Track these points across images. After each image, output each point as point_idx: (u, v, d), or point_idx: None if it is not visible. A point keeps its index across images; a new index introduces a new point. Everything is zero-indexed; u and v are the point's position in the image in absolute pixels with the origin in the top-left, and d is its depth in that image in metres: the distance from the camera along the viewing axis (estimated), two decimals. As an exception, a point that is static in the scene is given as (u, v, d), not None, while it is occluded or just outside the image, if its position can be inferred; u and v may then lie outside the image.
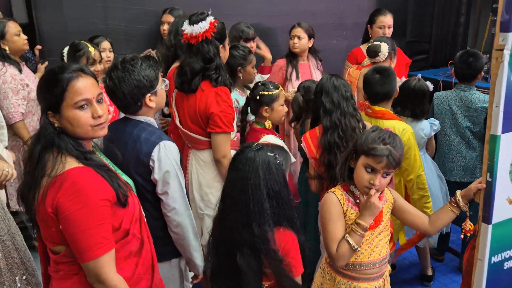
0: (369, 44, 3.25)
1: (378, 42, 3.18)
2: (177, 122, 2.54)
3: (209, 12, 2.38)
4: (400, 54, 3.74)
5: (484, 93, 3.04)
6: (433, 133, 2.89)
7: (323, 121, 2.33)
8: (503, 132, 1.62)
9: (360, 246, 1.79)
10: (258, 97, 2.51)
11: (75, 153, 1.49)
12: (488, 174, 1.68)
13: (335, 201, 1.84)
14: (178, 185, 1.89)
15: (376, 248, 1.86)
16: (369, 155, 1.74)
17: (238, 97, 2.85)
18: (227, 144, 2.41)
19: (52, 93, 1.46)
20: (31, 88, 3.03)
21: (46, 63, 3.39)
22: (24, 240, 2.13)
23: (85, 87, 1.49)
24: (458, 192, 1.83)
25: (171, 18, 3.39)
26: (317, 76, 3.64)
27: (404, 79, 3.62)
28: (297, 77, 3.41)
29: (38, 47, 3.44)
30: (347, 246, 1.77)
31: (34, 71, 3.51)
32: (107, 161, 1.69)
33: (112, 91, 1.86)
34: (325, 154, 2.31)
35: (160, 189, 1.87)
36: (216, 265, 1.70)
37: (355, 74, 3.35)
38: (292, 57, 3.49)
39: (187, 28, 2.35)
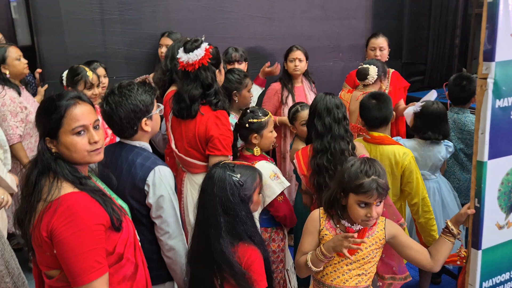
0: (359, 67, 3.30)
1: (367, 65, 3.23)
2: (173, 146, 2.57)
3: (203, 38, 2.43)
4: (398, 78, 3.80)
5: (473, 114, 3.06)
6: (448, 155, 2.87)
7: (314, 144, 2.40)
8: (489, 158, 1.65)
9: (319, 267, 1.82)
10: (247, 125, 2.50)
11: (71, 178, 1.52)
12: (476, 199, 1.71)
13: (315, 217, 1.93)
14: (171, 210, 1.91)
15: (341, 275, 1.86)
16: (358, 192, 1.75)
17: (234, 121, 2.87)
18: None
19: (50, 120, 1.50)
20: (30, 111, 3.08)
21: (46, 86, 3.44)
22: (19, 264, 2.14)
23: (82, 113, 1.53)
24: (448, 221, 1.83)
25: (169, 41, 3.45)
26: (311, 98, 3.69)
27: (402, 102, 3.70)
28: (293, 101, 3.44)
29: (39, 70, 3.50)
30: (304, 261, 1.84)
31: (34, 94, 3.57)
32: (102, 186, 1.72)
33: (109, 116, 1.90)
34: (315, 175, 2.39)
35: (154, 213, 1.90)
36: (191, 278, 1.85)
37: (346, 97, 3.38)
38: (287, 81, 3.53)
39: (182, 56, 2.39)
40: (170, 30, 3.63)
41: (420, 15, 4.92)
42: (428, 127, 2.78)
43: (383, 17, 4.65)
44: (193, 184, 2.54)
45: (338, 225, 1.88)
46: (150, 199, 1.88)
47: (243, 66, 3.46)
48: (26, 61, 3.12)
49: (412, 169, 2.48)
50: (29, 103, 3.12)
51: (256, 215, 2.39)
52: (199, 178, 2.50)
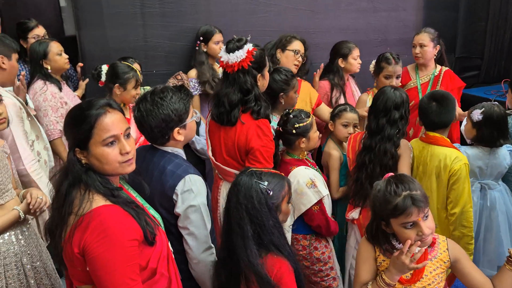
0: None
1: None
2: (209, 153, 2.47)
3: (248, 38, 2.29)
4: (452, 77, 3.52)
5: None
6: None
7: (365, 139, 2.51)
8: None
9: None
10: (294, 131, 2.39)
11: (102, 190, 1.47)
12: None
13: (369, 244, 1.76)
14: (200, 221, 1.82)
15: None
16: (396, 215, 1.61)
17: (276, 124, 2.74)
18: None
19: (79, 130, 1.45)
20: (70, 106, 3.09)
21: (87, 80, 3.46)
22: (54, 265, 2.14)
23: (113, 123, 1.47)
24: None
25: (220, 37, 3.42)
26: (358, 93, 3.52)
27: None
28: (345, 101, 3.30)
29: (80, 64, 3.52)
30: None
31: (76, 87, 3.60)
32: (134, 195, 1.67)
33: (140, 123, 1.84)
34: (356, 170, 2.52)
35: (181, 223, 1.83)
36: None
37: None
38: (339, 79, 3.35)
39: (223, 56, 2.28)
40: (210, 23, 3.54)
41: (477, 6, 4.57)
42: (498, 134, 2.54)
43: (436, 8, 4.35)
44: None
45: (394, 250, 1.71)
46: (178, 209, 1.81)
47: None
48: (67, 56, 3.14)
49: (460, 177, 2.30)
50: (69, 98, 3.14)
51: (288, 223, 2.29)
52: None
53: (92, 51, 3.49)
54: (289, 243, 2.27)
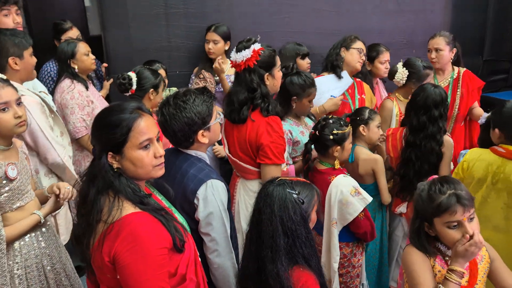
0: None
1: (399, 66, 3.13)
2: (226, 151, 2.50)
3: (258, 39, 2.32)
4: (471, 78, 3.43)
5: None
6: None
7: (408, 136, 2.63)
8: None
9: None
10: (331, 136, 2.35)
11: (133, 198, 1.46)
12: None
13: (421, 254, 1.68)
14: (221, 227, 1.82)
15: None
16: (440, 214, 1.58)
17: (292, 128, 2.71)
18: (278, 176, 2.31)
19: (114, 134, 1.43)
20: (96, 105, 3.13)
21: (111, 80, 3.49)
22: (73, 265, 2.16)
23: (148, 126, 1.48)
24: None
25: (216, 36, 3.40)
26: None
27: (477, 105, 3.34)
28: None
29: (105, 64, 3.56)
30: None
31: (100, 87, 3.63)
32: (161, 198, 1.66)
33: (164, 127, 1.84)
34: (403, 166, 2.66)
35: (203, 228, 1.82)
36: None
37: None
38: (369, 83, 3.33)
39: (232, 55, 2.33)
40: (233, 24, 3.53)
41: (508, 7, 4.44)
42: None
43: (464, 9, 4.25)
44: (247, 191, 2.46)
45: (447, 258, 1.67)
46: (200, 214, 1.80)
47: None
48: (93, 57, 3.18)
49: None
50: (95, 98, 3.18)
51: (335, 233, 2.31)
52: (253, 184, 2.44)
53: (116, 51, 3.52)
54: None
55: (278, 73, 2.40)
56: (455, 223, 1.57)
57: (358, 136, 2.77)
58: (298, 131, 2.68)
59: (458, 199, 1.56)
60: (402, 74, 3.08)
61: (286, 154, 2.46)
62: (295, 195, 1.62)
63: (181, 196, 1.81)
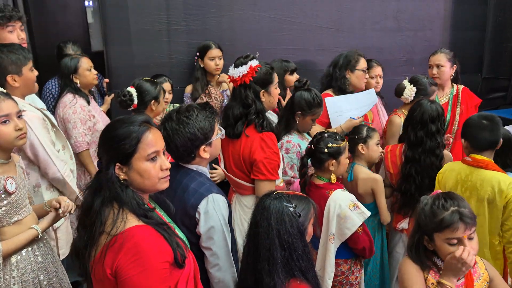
0: (400, 83, 3.19)
1: (406, 83, 3.14)
2: (222, 166, 2.51)
3: (256, 55, 2.37)
4: (469, 95, 3.50)
5: None
6: None
7: (407, 151, 2.68)
8: None
9: None
10: (326, 150, 2.35)
11: (137, 210, 1.46)
12: None
13: (416, 266, 1.71)
14: (223, 241, 1.82)
15: None
16: (441, 229, 1.59)
17: (299, 141, 2.71)
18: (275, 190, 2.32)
19: (124, 145, 1.45)
20: (97, 120, 3.15)
21: (113, 95, 3.51)
22: (69, 280, 2.15)
23: (156, 139, 1.51)
24: None
25: (219, 53, 3.44)
26: (383, 113, 3.48)
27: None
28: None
29: (106, 80, 3.58)
30: None
31: (102, 101, 3.66)
32: (162, 213, 1.66)
33: (166, 142, 1.82)
34: (403, 182, 2.71)
35: (204, 243, 1.82)
36: None
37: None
38: None
39: (230, 71, 2.37)
40: (234, 41, 3.59)
41: (505, 26, 4.50)
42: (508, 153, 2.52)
43: (463, 28, 4.30)
44: (242, 206, 2.46)
45: (442, 272, 1.68)
46: (201, 229, 1.80)
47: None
48: (95, 72, 3.21)
49: None
50: (97, 112, 3.20)
51: (332, 249, 2.30)
52: (248, 200, 2.44)
53: (118, 67, 3.55)
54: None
55: (274, 90, 2.42)
56: (455, 240, 1.58)
57: (357, 155, 2.76)
58: (305, 145, 2.68)
59: (461, 217, 1.57)
60: (410, 91, 3.09)
61: (280, 171, 2.45)
62: (291, 209, 1.64)
63: (181, 210, 1.81)
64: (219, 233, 1.80)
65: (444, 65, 3.34)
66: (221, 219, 1.80)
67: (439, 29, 4.23)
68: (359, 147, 2.74)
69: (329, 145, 2.35)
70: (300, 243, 1.61)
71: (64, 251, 2.47)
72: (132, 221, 1.43)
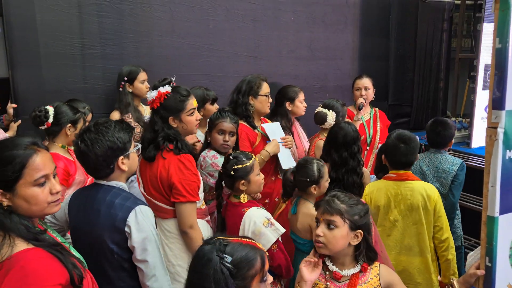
0: (317, 110, 3.37)
1: (325, 110, 3.30)
2: (141, 189, 2.43)
3: (173, 78, 2.36)
4: (383, 116, 3.96)
5: (454, 156, 3.33)
6: None
7: (330, 172, 2.68)
8: (500, 213, 1.52)
9: None
10: (232, 172, 2.34)
11: (26, 235, 1.37)
12: (487, 258, 1.56)
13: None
14: (156, 251, 1.81)
15: None
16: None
17: (214, 153, 2.80)
18: (193, 214, 2.29)
19: (6, 171, 1.35)
20: None
21: (19, 121, 3.24)
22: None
23: (44, 162, 1.42)
24: (456, 281, 1.69)
25: (145, 76, 3.40)
26: (304, 137, 3.58)
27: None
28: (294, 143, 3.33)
29: (13, 105, 3.31)
30: None
31: (5, 129, 3.36)
32: (58, 237, 1.59)
33: (84, 153, 1.79)
34: None
35: (139, 256, 1.78)
36: None
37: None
38: (287, 122, 3.38)
39: (147, 93, 2.39)
40: (153, 67, 3.52)
41: (405, 58, 4.95)
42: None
43: (370, 59, 4.66)
44: (164, 231, 2.37)
45: (327, 272, 1.76)
46: (133, 242, 1.76)
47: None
48: None
49: (440, 203, 2.52)
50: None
51: None
52: (169, 224, 2.37)
53: (26, 92, 3.30)
54: None
55: (187, 117, 2.36)
56: (316, 220, 1.77)
57: (307, 192, 2.54)
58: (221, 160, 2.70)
59: (327, 201, 1.75)
60: (331, 117, 3.26)
61: (201, 193, 2.42)
62: (223, 261, 1.34)
63: (109, 227, 1.77)
64: (152, 243, 1.80)
65: (370, 87, 3.80)
66: (152, 229, 1.81)
67: (349, 58, 4.54)
68: (312, 189, 2.53)
69: (234, 167, 2.34)
70: None
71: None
72: (20, 246, 1.35)
